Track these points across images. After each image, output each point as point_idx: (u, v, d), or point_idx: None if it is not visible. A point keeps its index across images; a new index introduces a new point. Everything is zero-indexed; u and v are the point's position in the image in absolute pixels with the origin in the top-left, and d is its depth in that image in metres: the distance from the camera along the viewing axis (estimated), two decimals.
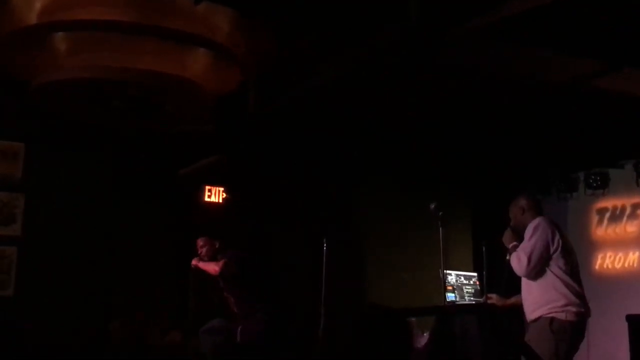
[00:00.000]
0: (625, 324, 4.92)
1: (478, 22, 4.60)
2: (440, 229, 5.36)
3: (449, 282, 5.84)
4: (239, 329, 6.25)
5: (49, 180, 6.93)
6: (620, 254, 7.95)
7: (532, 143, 7.61)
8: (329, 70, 6.03)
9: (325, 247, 6.40)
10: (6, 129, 6.82)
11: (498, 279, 5.44)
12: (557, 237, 4.80)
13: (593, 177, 7.89)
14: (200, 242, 6.65)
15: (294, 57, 5.94)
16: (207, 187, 7.85)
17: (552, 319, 4.67)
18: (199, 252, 6.63)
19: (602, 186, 7.86)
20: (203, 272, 6.56)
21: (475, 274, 6.26)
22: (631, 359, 4.06)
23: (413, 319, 6.23)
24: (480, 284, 6.10)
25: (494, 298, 5.62)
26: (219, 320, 6.42)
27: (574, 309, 4.68)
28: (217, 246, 6.60)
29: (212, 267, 6.42)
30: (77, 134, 6.88)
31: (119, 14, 4.95)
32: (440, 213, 5.42)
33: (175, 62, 5.54)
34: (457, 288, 5.92)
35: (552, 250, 4.77)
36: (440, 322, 4.42)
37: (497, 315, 5.11)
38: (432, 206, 5.48)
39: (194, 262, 6.62)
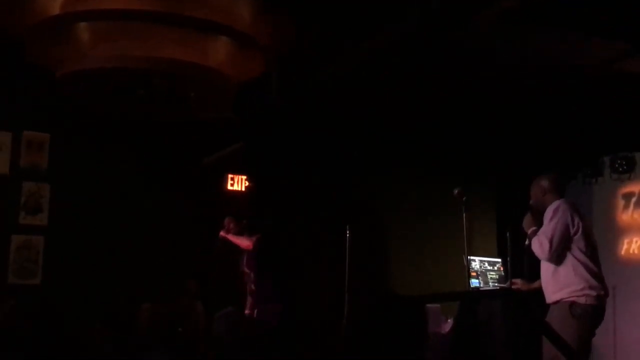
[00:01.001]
0: None
1: (501, 6, 4.56)
2: (464, 214, 5.33)
3: (473, 268, 5.82)
4: (257, 308, 6.29)
5: (75, 170, 7.00)
6: None
7: (557, 128, 7.55)
8: (351, 56, 6.03)
9: (349, 234, 6.40)
10: (32, 120, 6.90)
11: (520, 264, 5.41)
12: (577, 219, 4.76)
13: (619, 161, 7.81)
14: (228, 219, 6.70)
15: (316, 44, 5.94)
16: (230, 176, 7.89)
17: (572, 303, 4.64)
18: (227, 228, 6.67)
19: (628, 170, 7.78)
20: (229, 246, 6.60)
21: (499, 260, 6.23)
22: None
23: (436, 305, 6.23)
24: (505, 270, 6.06)
25: (518, 283, 5.59)
26: (232, 308, 6.46)
27: (594, 293, 4.65)
28: (244, 224, 6.64)
29: (246, 242, 6.45)
30: (101, 124, 6.93)
31: (141, 3, 4.97)
32: (464, 198, 5.38)
33: (198, 50, 5.55)
34: (481, 274, 5.90)
35: (572, 232, 4.72)
36: (464, 307, 4.40)
37: (522, 300, 5.07)
38: (456, 191, 5.44)
39: (222, 233, 6.64)
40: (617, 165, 7.82)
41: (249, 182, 7.93)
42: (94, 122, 6.87)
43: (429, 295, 4.89)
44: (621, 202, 8.12)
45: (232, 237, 6.58)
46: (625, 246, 8.01)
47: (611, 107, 6.83)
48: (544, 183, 4.98)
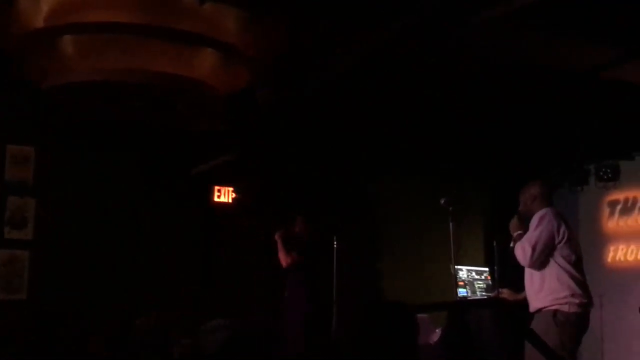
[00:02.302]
0: (639, 316, 4.90)
1: (493, 10, 4.58)
2: (451, 224, 5.35)
3: (460, 278, 5.82)
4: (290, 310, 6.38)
5: (60, 183, 6.96)
6: (632, 247, 7.92)
7: (544, 135, 7.59)
8: (340, 63, 6.03)
9: (336, 244, 6.40)
10: (16, 133, 6.86)
11: (507, 273, 5.42)
12: (563, 228, 4.79)
13: (604, 169, 7.85)
14: (300, 219, 6.78)
15: (303, 53, 5.94)
16: (217, 187, 7.87)
17: (555, 311, 4.66)
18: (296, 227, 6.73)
19: (613, 178, 7.82)
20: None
21: (486, 269, 6.24)
22: None
23: (424, 315, 6.22)
24: (492, 279, 6.08)
25: (505, 292, 5.61)
26: (220, 319, 6.41)
27: (577, 300, 4.67)
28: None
29: (285, 257, 6.64)
30: (86, 137, 6.90)
31: (125, 16, 4.96)
32: (451, 208, 5.40)
33: (184, 62, 5.55)
34: (469, 283, 5.91)
35: (557, 240, 4.76)
36: (453, 317, 4.39)
37: (511, 309, 5.09)
38: (443, 201, 5.46)
39: (278, 235, 6.75)
40: (602, 174, 7.86)
41: (235, 193, 7.91)
42: (80, 135, 6.85)
43: (418, 305, 4.88)
44: (607, 210, 8.17)
45: (280, 245, 6.65)
46: (611, 254, 8.05)
47: (598, 114, 6.87)
48: (534, 190, 5.01)
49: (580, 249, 4.94)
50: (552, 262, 4.75)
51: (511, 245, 4.97)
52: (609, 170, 7.81)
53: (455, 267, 5.64)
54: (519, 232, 4.92)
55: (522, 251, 4.77)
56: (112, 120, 6.46)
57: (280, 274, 6.85)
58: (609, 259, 8.01)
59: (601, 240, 8.10)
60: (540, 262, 4.75)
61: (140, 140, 7.17)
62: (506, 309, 4.92)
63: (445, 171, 8.13)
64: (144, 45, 5.29)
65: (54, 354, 6.05)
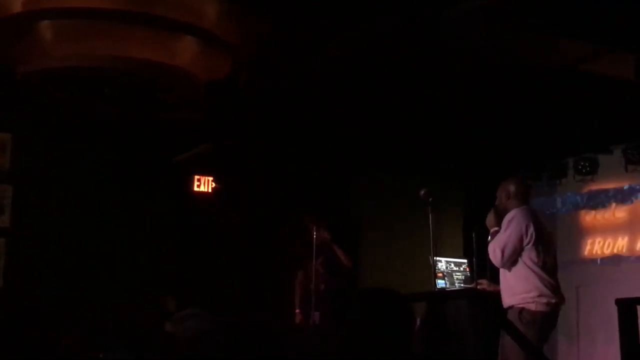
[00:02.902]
0: (615, 309, 4.94)
1: (469, 4, 4.59)
2: (430, 215, 5.37)
3: (439, 269, 5.84)
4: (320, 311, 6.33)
5: (38, 170, 6.89)
6: (609, 240, 7.97)
7: (523, 128, 7.62)
8: (320, 57, 6.03)
9: (315, 235, 6.40)
10: None
11: (485, 263, 5.48)
12: (531, 229, 4.87)
13: (582, 163, 7.90)
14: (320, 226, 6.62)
15: (285, 44, 5.92)
16: (197, 177, 7.83)
17: (521, 309, 4.78)
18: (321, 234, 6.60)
19: (591, 172, 7.88)
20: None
21: (465, 261, 6.26)
22: (621, 344, 4.06)
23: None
24: (471, 271, 6.11)
25: (484, 283, 5.66)
26: (190, 309, 6.37)
27: (544, 300, 4.79)
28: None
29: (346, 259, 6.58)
30: (64, 124, 6.83)
31: (104, 1, 4.91)
32: (430, 199, 5.42)
33: (165, 50, 5.51)
34: (447, 275, 5.92)
35: (525, 242, 4.86)
36: (431, 308, 4.43)
37: (489, 300, 5.16)
38: (422, 192, 5.48)
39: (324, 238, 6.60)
40: (580, 167, 7.92)
41: (215, 183, 7.87)
42: (57, 122, 6.78)
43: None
44: (585, 203, 8.22)
45: (337, 249, 6.58)
46: (588, 246, 8.11)
47: (575, 108, 6.92)
48: (511, 187, 5.07)
49: (553, 247, 5.02)
50: (520, 263, 4.88)
51: (489, 239, 5.04)
52: (587, 164, 7.86)
53: (434, 258, 5.67)
54: (495, 228, 5.00)
55: (493, 253, 4.91)
56: (91, 107, 6.40)
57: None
58: (586, 252, 8.07)
59: (579, 233, 8.14)
60: (511, 263, 4.88)
61: (119, 128, 7.10)
62: (483, 299, 4.98)
63: (424, 164, 8.15)
64: (124, 31, 5.25)
65: (28, 343, 5.99)
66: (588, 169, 7.87)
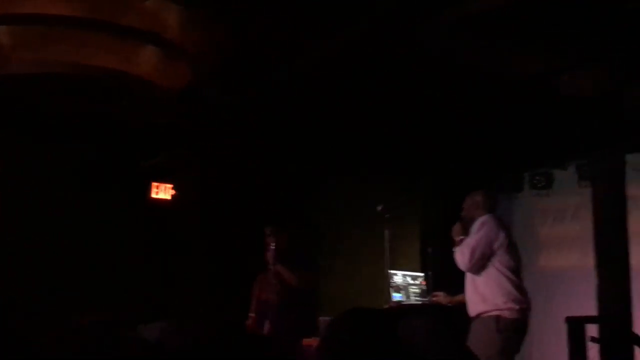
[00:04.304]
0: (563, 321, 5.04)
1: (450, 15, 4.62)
2: (386, 231, 5.41)
3: (395, 282, 5.89)
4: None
5: (6, 173, 6.77)
6: (564, 252, 8.11)
7: (481, 143, 7.71)
8: (288, 65, 6.03)
9: (274, 245, 6.38)
10: None
11: (444, 280, 5.52)
12: (502, 234, 4.93)
13: (538, 177, 8.04)
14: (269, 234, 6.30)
15: (252, 50, 5.92)
16: (155, 184, 7.77)
17: (497, 318, 4.77)
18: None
19: (547, 186, 8.02)
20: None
21: (421, 274, 6.32)
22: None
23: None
24: (427, 284, 6.17)
25: (440, 296, 5.72)
26: (163, 321, 6.31)
27: (517, 306, 4.80)
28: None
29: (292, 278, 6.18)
30: (29, 126, 6.73)
31: (64, 8, 4.85)
32: (387, 215, 5.47)
33: (126, 58, 5.46)
34: (404, 288, 5.98)
35: (495, 246, 4.89)
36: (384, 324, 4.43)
37: (447, 316, 5.19)
38: (380, 208, 5.54)
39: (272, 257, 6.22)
40: (535, 182, 8.06)
41: (174, 190, 7.82)
42: (22, 124, 6.67)
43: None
44: (540, 217, 8.35)
45: (281, 269, 6.16)
46: (543, 260, 8.23)
47: (533, 123, 7.02)
48: (478, 198, 5.16)
49: (519, 255, 5.08)
50: (492, 268, 4.88)
51: (453, 249, 5.08)
52: (542, 179, 8.01)
53: (390, 271, 5.71)
54: (462, 237, 5.05)
55: (462, 255, 4.91)
56: (51, 112, 6.34)
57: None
58: (540, 265, 8.20)
59: (535, 246, 8.27)
60: (479, 267, 4.88)
61: (82, 133, 7.02)
62: (442, 317, 5.00)
63: (384, 177, 8.21)
64: (84, 38, 5.19)
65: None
66: (543, 183, 8.02)
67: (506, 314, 4.77)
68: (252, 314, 6.51)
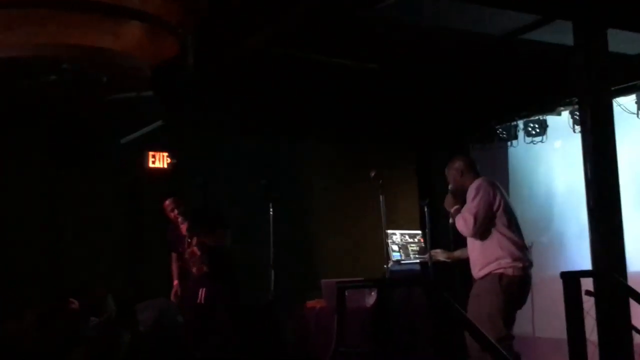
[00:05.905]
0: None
1: None
2: (381, 196, 5.42)
3: (394, 241, 5.93)
4: (206, 287, 6.24)
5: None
6: (557, 201, 8.13)
7: (472, 94, 7.70)
8: (267, 31, 5.98)
9: (272, 211, 6.42)
10: None
11: (442, 236, 5.53)
12: (498, 195, 4.92)
13: (531, 124, 8.03)
14: (172, 201, 6.46)
15: (230, 17, 5.86)
16: (151, 153, 7.77)
17: (501, 275, 4.81)
18: (173, 216, 6.43)
19: (541, 133, 8.01)
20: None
21: (419, 232, 6.35)
22: (566, 316, 4.22)
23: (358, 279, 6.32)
24: (425, 242, 6.20)
25: (438, 253, 5.76)
26: (160, 299, 6.37)
27: (520, 264, 4.83)
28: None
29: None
30: (10, 106, 6.67)
31: None
32: (380, 181, 5.47)
33: (107, 34, 5.39)
34: (402, 247, 6.02)
35: (495, 208, 4.89)
36: (382, 292, 4.48)
37: (435, 285, 5.22)
38: (373, 174, 5.52)
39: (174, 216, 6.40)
40: (530, 129, 8.05)
41: (171, 159, 7.81)
42: (4, 107, 6.62)
43: (346, 281, 4.92)
44: (535, 164, 8.36)
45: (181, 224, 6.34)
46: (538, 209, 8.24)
47: (521, 73, 7.02)
48: (458, 165, 5.11)
49: (515, 214, 5.08)
50: (493, 230, 4.90)
51: (450, 221, 5.06)
52: (536, 125, 7.99)
53: (389, 231, 5.74)
54: (456, 207, 5.02)
55: (464, 221, 4.88)
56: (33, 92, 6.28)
57: None
58: (535, 215, 8.20)
59: (530, 193, 8.29)
60: (483, 230, 4.88)
61: (68, 111, 6.97)
62: (433, 287, 5.02)
63: (375, 137, 8.20)
64: (63, 17, 5.12)
65: None
66: (537, 130, 8.01)
67: (509, 271, 4.79)
68: (175, 282, 6.60)
